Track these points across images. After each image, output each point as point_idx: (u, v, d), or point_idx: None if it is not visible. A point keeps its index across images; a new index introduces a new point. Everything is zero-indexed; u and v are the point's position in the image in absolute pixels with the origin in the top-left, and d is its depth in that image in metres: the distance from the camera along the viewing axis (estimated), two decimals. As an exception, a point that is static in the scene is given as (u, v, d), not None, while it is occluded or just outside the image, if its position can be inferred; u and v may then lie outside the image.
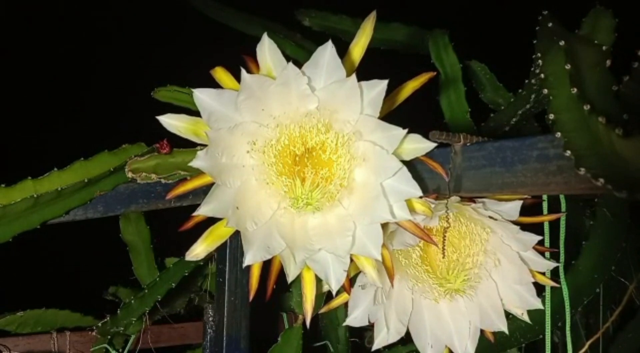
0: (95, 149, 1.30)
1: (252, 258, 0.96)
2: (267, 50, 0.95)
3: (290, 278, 0.99)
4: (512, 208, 1.09)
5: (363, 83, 0.92)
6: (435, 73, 1.01)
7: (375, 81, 0.92)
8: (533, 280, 1.14)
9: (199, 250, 1.00)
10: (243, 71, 0.92)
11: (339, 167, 0.97)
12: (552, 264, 1.15)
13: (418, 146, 0.95)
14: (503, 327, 1.16)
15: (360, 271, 1.09)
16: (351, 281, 1.14)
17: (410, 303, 1.19)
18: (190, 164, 0.94)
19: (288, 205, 0.98)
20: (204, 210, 0.95)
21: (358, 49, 1.01)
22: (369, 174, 0.97)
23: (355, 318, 1.20)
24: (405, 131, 0.91)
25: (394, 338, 1.18)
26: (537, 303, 1.14)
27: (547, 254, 1.17)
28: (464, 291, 1.14)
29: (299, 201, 0.95)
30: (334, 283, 0.97)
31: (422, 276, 1.17)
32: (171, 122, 0.99)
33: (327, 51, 0.92)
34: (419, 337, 1.19)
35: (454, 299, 1.17)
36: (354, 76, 0.91)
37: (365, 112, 0.94)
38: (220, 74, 1.00)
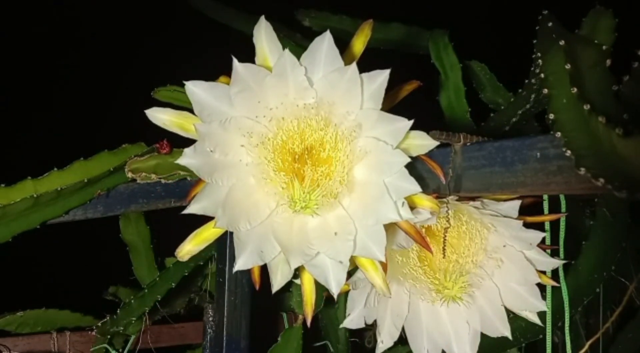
0: (95, 149, 1.30)
1: (244, 263, 0.92)
2: (264, 33, 0.93)
3: (275, 288, 0.96)
4: (511, 207, 1.08)
5: (363, 75, 0.89)
6: (421, 83, 1.00)
7: (376, 72, 0.89)
8: (538, 281, 1.12)
9: (183, 252, 0.98)
10: (235, 61, 0.88)
11: (339, 162, 0.93)
12: (557, 262, 1.14)
13: (424, 142, 0.93)
14: (506, 332, 1.14)
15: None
16: (350, 274, 1.12)
17: (407, 306, 1.17)
18: (177, 161, 0.90)
19: (286, 203, 0.94)
20: (193, 208, 0.92)
21: (359, 44, 0.98)
22: (370, 172, 0.94)
23: (352, 320, 1.19)
24: (411, 122, 0.89)
25: (387, 343, 1.16)
26: (540, 306, 1.13)
27: (548, 252, 1.17)
28: (461, 299, 1.10)
29: (296, 203, 0.91)
30: (334, 287, 0.93)
31: (421, 277, 1.15)
32: (156, 115, 0.97)
33: (324, 41, 0.90)
34: (415, 340, 1.17)
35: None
36: (354, 64, 0.88)
37: (366, 106, 0.91)
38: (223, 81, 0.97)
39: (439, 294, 1.12)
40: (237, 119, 0.93)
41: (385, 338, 1.16)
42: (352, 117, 0.93)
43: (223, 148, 0.94)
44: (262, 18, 0.92)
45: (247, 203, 0.95)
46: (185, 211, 0.93)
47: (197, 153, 0.91)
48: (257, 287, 0.99)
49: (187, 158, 0.91)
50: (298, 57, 0.91)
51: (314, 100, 0.93)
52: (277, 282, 0.96)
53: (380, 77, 0.89)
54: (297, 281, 1.06)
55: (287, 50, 0.89)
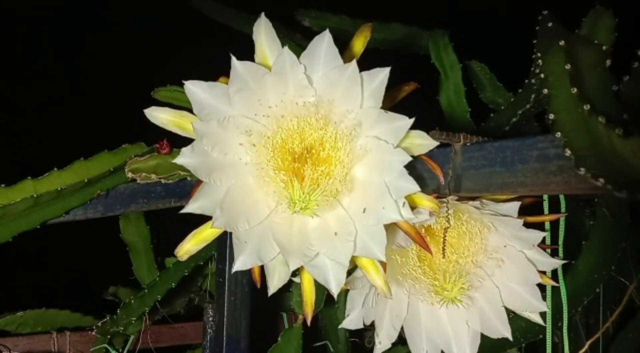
0: (95, 149, 1.30)
1: (242, 263, 0.92)
2: (264, 31, 0.92)
3: (271, 290, 0.95)
4: (510, 208, 1.08)
5: (363, 73, 0.88)
6: (419, 85, 1.00)
7: (376, 70, 0.88)
8: (539, 281, 1.11)
9: (182, 251, 0.97)
10: (233, 59, 0.88)
11: (339, 162, 0.93)
12: (557, 262, 1.13)
13: (424, 142, 0.92)
14: (507, 333, 1.13)
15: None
16: (350, 273, 1.12)
17: (406, 306, 1.16)
18: (174, 161, 0.90)
19: (285, 203, 0.93)
20: (191, 207, 0.91)
21: (358, 44, 0.98)
22: (371, 171, 0.93)
23: (351, 321, 1.18)
24: (411, 120, 0.88)
25: (385, 344, 1.16)
26: (541, 306, 1.12)
27: (548, 252, 1.16)
28: (461, 301, 1.09)
29: (296, 204, 0.90)
30: (334, 288, 0.92)
31: (420, 277, 1.15)
32: (155, 114, 0.97)
33: (324, 40, 0.89)
34: (414, 341, 1.17)
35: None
36: (354, 62, 0.87)
37: (366, 104, 0.90)
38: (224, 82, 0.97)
39: (438, 296, 1.11)
40: (236, 118, 0.92)
41: (383, 340, 1.15)
42: (352, 115, 0.92)
43: (222, 147, 0.93)
44: (262, 15, 0.92)
45: (245, 203, 0.94)
46: (183, 211, 0.92)
47: (195, 152, 0.91)
48: (258, 286, 0.99)
49: (185, 158, 0.90)
50: (298, 56, 0.91)
51: (314, 98, 0.92)
52: (275, 284, 0.95)
53: (380, 75, 0.88)
54: (297, 279, 1.06)
55: (286, 47, 0.88)
